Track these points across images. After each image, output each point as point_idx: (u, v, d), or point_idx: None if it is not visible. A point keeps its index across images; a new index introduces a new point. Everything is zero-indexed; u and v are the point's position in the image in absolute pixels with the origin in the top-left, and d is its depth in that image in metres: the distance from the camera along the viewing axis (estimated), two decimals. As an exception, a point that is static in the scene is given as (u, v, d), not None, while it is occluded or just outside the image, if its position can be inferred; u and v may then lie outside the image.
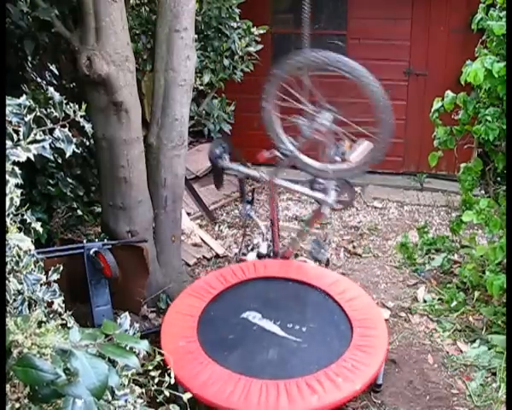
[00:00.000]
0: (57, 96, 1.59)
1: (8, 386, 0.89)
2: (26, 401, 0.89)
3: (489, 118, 3.22)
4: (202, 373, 2.63)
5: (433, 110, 3.66)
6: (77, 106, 1.65)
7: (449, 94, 3.57)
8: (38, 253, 1.66)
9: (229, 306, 3.22)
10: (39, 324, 1.02)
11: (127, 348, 1.06)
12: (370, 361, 2.72)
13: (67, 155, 1.58)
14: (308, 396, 2.49)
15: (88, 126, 1.80)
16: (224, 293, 3.32)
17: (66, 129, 1.56)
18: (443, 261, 4.04)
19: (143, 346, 1.11)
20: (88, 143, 3.27)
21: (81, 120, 1.64)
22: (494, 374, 2.98)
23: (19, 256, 1.46)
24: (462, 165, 3.71)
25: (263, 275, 3.51)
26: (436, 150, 3.77)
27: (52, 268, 1.74)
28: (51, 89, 1.63)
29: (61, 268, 1.77)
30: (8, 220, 1.39)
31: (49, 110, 1.57)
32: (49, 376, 0.89)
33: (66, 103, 1.61)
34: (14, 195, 1.37)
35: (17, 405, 0.89)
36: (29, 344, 0.92)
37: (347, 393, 2.55)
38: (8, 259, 1.41)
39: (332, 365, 2.69)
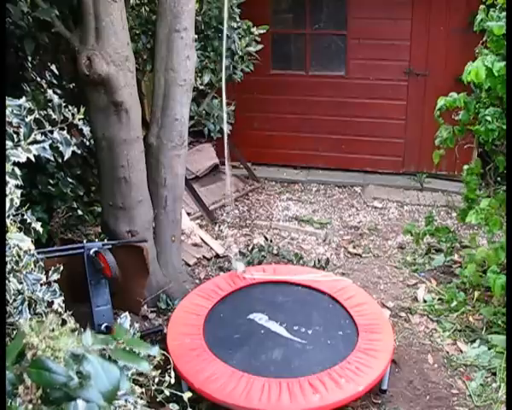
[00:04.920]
0: (56, 99, 1.59)
1: (21, 388, 0.90)
2: (39, 402, 0.90)
3: (489, 118, 3.22)
4: (206, 369, 2.66)
5: (436, 109, 3.66)
6: (75, 109, 1.65)
7: (453, 95, 3.58)
8: (38, 253, 1.67)
9: (236, 307, 3.26)
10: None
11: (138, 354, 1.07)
12: (375, 364, 2.73)
13: (66, 157, 1.59)
14: (310, 395, 2.51)
15: (86, 130, 1.81)
16: (231, 295, 3.36)
17: (65, 131, 1.57)
18: (446, 251, 4.04)
19: (155, 352, 1.12)
20: (88, 143, 3.27)
21: (79, 123, 1.65)
22: (494, 374, 2.98)
23: (19, 256, 1.46)
24: (465, 167, 3.72)
25: (271, 279, 3.53)
26: (438, 149, 3.78)
27: (52, 268, 1.74)
28: (50, 91, 1.64)
29: (61, 268, 1.77)
30: (8, 220, 1.39)
31: (48, 112, 1.58)
32: (63, 378, 0.91)
33: (65, 106, 1.61)
34: (14, 196, 1.38)
35: (30, 406, 0.90)
36: (43, 347, 0.93)
37: (350, 394, 2.56)
38: (8, 258, 1.41)
39: (336, 366, 2.70)
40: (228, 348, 2.87)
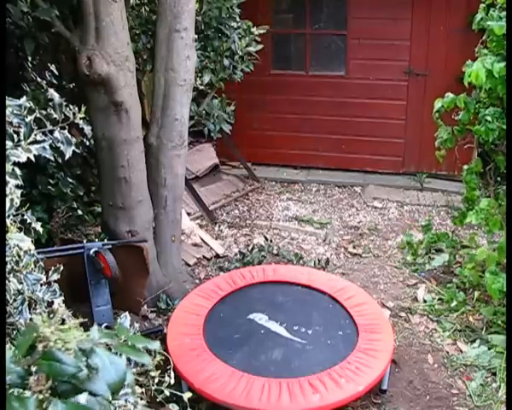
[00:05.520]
0: (57, 98, 1.59)
1: (32, 378, 0.94)
2: (47, 394, 0.93)
3: (489, 118, 3.22)
4: (206, 369, 2.66)
5: (434, 111, 3.67)
6: (76, 108, 1.65)
7: (449, 95, 3.58)
8: (38, 253, 1.66)
9: (236, 307, 3.26)
10: (62, 321, 1.08)
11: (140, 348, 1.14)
12: (375, 364, 2.73)
13: (67, 156, 1.59)
14: (310, 395, 2.51)
15: (87, 129, 1.81)
16: (231, 295, 3.36)
17: (66, 131, 1.57)
18: (449, 258, 4.04)
19: (155, 346, 1.18)
20: (88, 143, 3.28)
21: (80, 122, 1.65)
22: (494, 374, 2.98)
23: (19, 256, 1.46)
24: (465, 167, 3.72)
25: (272, 279, 3.53)
26: (438, 150, 3.78)
27: (52, 268, 1.74)
28: (51, 90, 1.63)
29: (61, 268, 1.77)
30: (8, 220, 1.39)
31: (48, 111, 1.58)
32: (73, 369, 0.95)
33: (66, 105, 1.61)
34: (14, 196, 1.38)
35: (40, 396, 0.94)
36: (55, 338, 0.98)
37: (350, 394, 2.56)
38: (8, 259, 1.41)
39: (336, 366, 2.70)
40: (228, 348, 2.87)
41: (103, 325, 2.83)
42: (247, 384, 2.57)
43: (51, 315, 1.06)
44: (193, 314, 3.12)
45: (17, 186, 1.40)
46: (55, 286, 1.70)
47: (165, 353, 1.78)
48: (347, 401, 2.58)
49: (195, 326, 3.01)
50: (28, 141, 1.41)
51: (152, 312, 3.51)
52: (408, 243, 4.26)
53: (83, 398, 0.95)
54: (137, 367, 1.51)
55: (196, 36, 3.55)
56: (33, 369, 0.94)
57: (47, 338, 0.97)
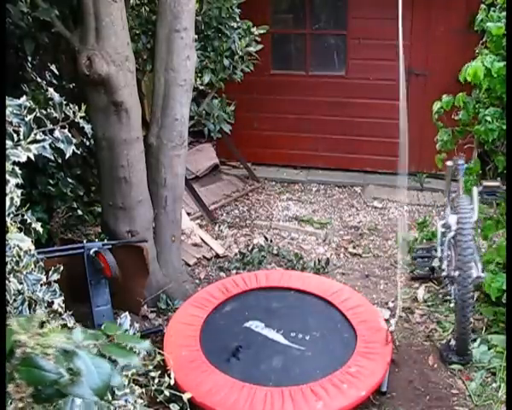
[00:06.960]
0: (57, 98, 1.60)
1: (11, 386, 0.90)
2: (29, 400, 0.90)
3: (489, 118, 3.22)
4: (206, 382, 2.61)
5: (433, 113, 3.67)
6: (76, 107, 1.65)
7: (444, 97, 3.60)
8: (38, 253, 1.66)
9: (231, 315, 3.21)
10: (42, 324, 1.03)
11: (129, 348, 1.07)
12: (375, 367, 2.72)
13: (67, 155, 1.59)
14: (313, 403, 2.48)
15: (88, 127, 1.81)
16: (226, 303, 3.31)
17: (66, 130, 1.57)
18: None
19: (145, 346, 1.13)
20: (88, 143, 3.28)
21: (81, 121, 1.65)
22: (494, 374, 2.98)
23: (19, 256, 1.46)
24: (464, 166, 3.72)
25: (264, 285, 3.51)
26: (439, 153, 3.78)
27: (52, 268, 1.74)
28: (51, 90, 1.64)
29: (61, 268, 1.77)
30: (8, 220, 1.39)
31: (48, 111, 1.58)
32: (53, 376, 0.90)
33: (66, 104, 1.61)
34: (14, 195, 1.38)
35: (21, 404, 0.89)
36: (32, 344, 0.93)
37: (352, 399, 2.54)
38: (8, 259, 1.41)
39: (336, 372, 2.68)
40: (226, 359, 2.82)
41: (103, 326, 2.83)
42: (248, 395, 2.52)
43: (30, 318, 1.00)
44: (188, 325, 3.04)
45: (17, 185, 1.40)
46: (55, 286, 1.70)
47: (164, 353, 1.78)
48: (351, 407, 2.55)
49: (192, 337, 2.94)
50: (28, 140, 1.41)
51: (152, 312, 3.50)
52: (403, 239, 4.26)
53: (79, 402, 0.92)
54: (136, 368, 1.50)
55: (196, 36, 3.55)
56: (15, 374, 0.91)
57: (25, 344, 0.92)
